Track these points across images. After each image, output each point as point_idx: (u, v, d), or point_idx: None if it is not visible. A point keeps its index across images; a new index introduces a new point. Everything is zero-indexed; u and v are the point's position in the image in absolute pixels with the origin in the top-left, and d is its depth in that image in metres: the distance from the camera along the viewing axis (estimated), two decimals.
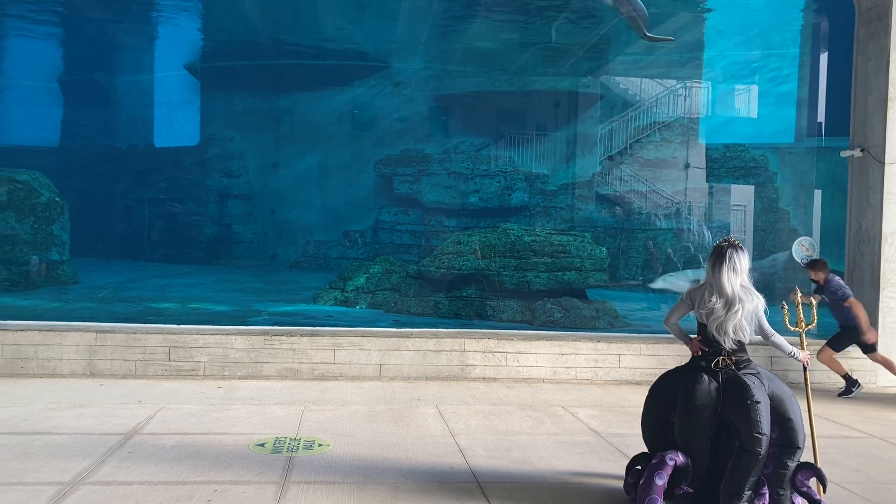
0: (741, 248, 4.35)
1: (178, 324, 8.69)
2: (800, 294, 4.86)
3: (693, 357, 4.37)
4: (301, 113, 27.00)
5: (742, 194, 22.31)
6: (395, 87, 26.83)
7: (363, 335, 8.18)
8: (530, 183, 24.18)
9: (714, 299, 4.22)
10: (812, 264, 7.71)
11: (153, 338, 7.81)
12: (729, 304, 4.20)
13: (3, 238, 17.76)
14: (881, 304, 8.40)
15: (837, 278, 7.64)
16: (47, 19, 24.60)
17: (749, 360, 4.29)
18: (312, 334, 8.11)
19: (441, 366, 8.07)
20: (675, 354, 7.92)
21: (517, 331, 9.36)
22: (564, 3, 20.16)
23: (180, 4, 23.10)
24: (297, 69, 26.02)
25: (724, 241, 4.41)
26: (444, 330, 8.85)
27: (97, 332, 7.81)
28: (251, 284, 19.78)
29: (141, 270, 22.77)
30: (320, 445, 5.48)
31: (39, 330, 7.78)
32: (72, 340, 7.70)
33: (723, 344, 4.22)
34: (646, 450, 4.57)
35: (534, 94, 25.57)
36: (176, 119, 28.47)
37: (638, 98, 24.64)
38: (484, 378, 8.06)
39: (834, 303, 7.55)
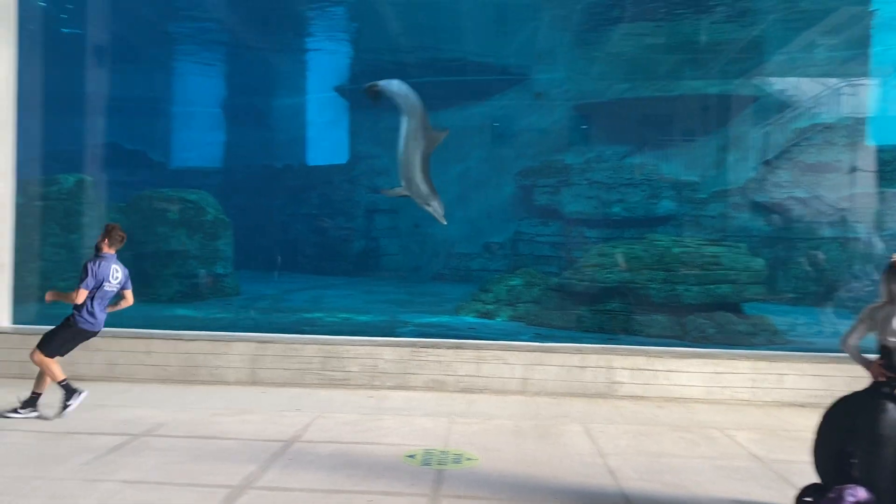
0: None
1: (330, 333, 9.08)
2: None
3: (873, 382, 4.01)
4: (443, 127, 27.52)
5: None
6: (536, 98, 26.77)
7: (507, 349, 8.17)
8: (678, 191, 23.25)
9: None
10: None
11: (309, 348, 8.20)
12: None
13: (176, 253, 19.34)
14: None
15: None
16: (210, 49, 26.72)
17: None
18: (457, 347, 8.20)
19: (586, 382, 7.90)
20: (846, 376, 7.28)
21: (668, 347, 8.99)
22: (713, 3, 19.30)
23: (330, 30, 24.33)
24: (439, 85, 26.56)
25: None
26: (590, 345, 8.68)
27: (259, 342, 8.30)
28: (397, 296, 20.36)
29: (295, 282, 24.03)
30: (468, 459, 5.51)
31: (209, 340, 8.39)
32: (236, 350, 8.23)
33: None
34: (816, 480, 4.24)
35: (681, 99, 24.61)
36: (327, 138, 29.94)
37: (796, 99, 23.07)
38: (632, 396, 7.81)
39: None
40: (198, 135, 30.65)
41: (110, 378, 8.12)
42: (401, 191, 12.36)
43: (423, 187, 12.39)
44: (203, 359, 8.24)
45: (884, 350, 3.98)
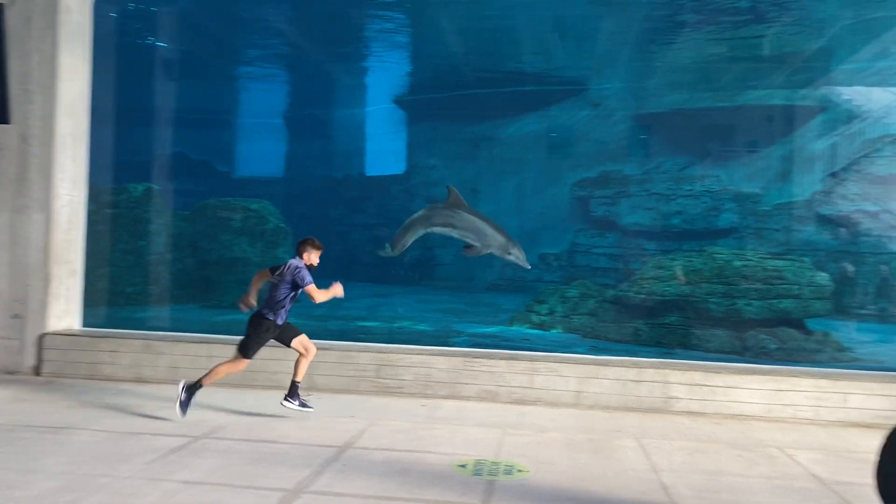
0: None
1: (386, 342, 9.18)
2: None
3: None
4: (500, 138, 27.59)
5: None
6: (594, 109, 26.59)
7: (561, 361, 8.13)
8: (740, 203, 22.74)
9: None
10: None
11: (364, 356, 8.32)
12: None
13: (238, 260, 19.86)
14: None
15: None
16: (273, 62, 27.39)
17: None
18: (511, 358, 8.20)
19: (642, 397, 7.80)
20: None
21: (726, 363, 8.80)
22: (779, 12, 18.87)
23: (389, 42, 24.66)
24: (497, 96, 26.67)
25: None
26: (646, 359, 8.55)
27: (317, 349, 8.45)
28: (451, 305, 20.44)
29: (352, 290, 24.22)
30: (520, 471, 5.51)
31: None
32: (294, 356, 8.39)
33: None
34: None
35: (743, 109, 24.10)
36: (385, 149, 30.34)
37: (865, 109, 22.33)
38: (689, 412, 7.67)
39: None
40: (260, 145, 31.46)
41: (174, 381, 8.35)
42: (479, 249, 12.86)
43: (499, 239, 12.91)
44: (262, 364, 8.42)
45: None
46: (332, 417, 7.03)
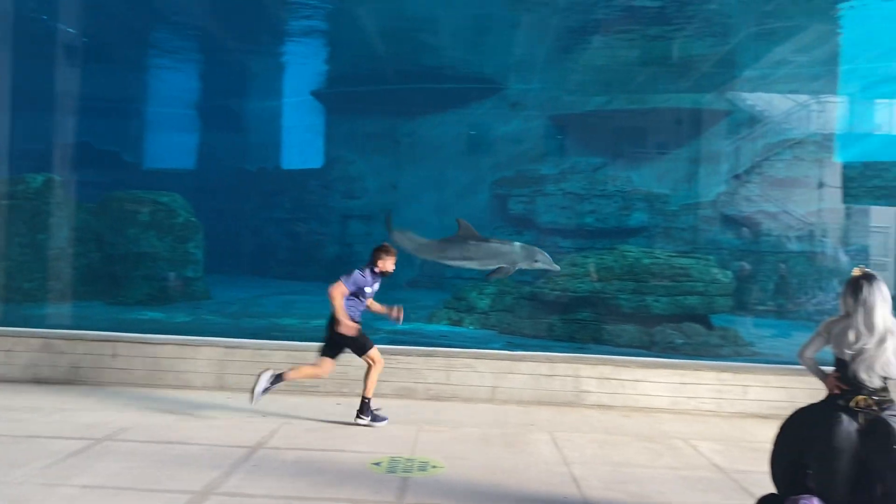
0: (879, 278, 4.07)
1: (301, 340, 9.02)
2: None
3: (829, 395, 4.09)
4: (420, 135, 27.58)
5: (883, 216, 20.70)
6: (512, 109, 26.93)
7: (477, 357, 8.19)
8: (650, 203, 23.53)
9: (863, 337, 3.93)
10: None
11: (277, 354, 8.15)
12: (880, 340, 3.91)
13: (146, 255, 19.12)
14: None
15: None
16: (185, 50, 26.50)
17: (892, 400, 3.97)
18: (427, 354, 8.21)
19: (555, 391, 7.95)
20: (808, 388, 7.37)
21: (635, 357, 9.08)
22: (687, 19, 19.60)
23: (307, 35, 24.27)
24: (417, 93, 26.63)
25: (862, 271, 4.11)
26: (558, 354, 8.72)
27: (227, 347, 8.24)
28: None
29: (267, 287, 23.85)
30: (434, 467, 5.52)
31: (175, 344, 8.30)
32: (204, 354, 8.16)
33: (867, 383, 3.93)
34: (774, 491, 4.30)
35: (654, 112, 24.91)
36: (302, 142, 29.82)
37: (767, 114, 23.49)
38: (599, 405, 7.87)
39: None
40: (171, 136, 30.36)
41: (74, 381, 8.00)
42: (507, 269, 12.91)
43: (521, 253, 13.04)
44: (169, 363, 8.15)
45: (839, 363, 4.06)
46: (243, 417, 6.86)
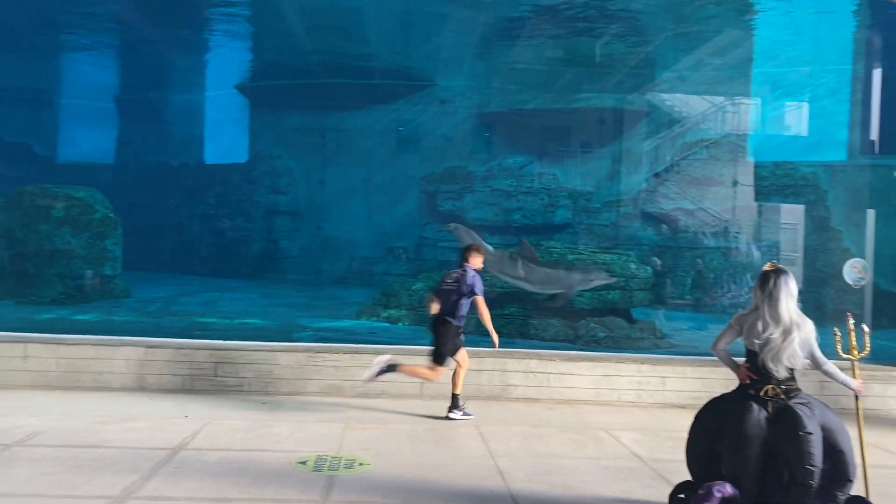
0: (789, 272, 4.28)
1: (225, 339, 8.85)
2: (852, 320, 4.74)
3: (741, 384, 4.29)
4: (347, 130, 27.37)
5: (792, 213, 21.78)
6: (440, 105, 27.02)
7: (405, 353, 8.20)
8: (574, 200, 24.04)
9: (770, 328, 4.13)
10: None
11: (201, 353, 7.97)
12: (786, 332, 4.11)
13: (60, 253, 18.34)
14: None
15: None
16: (103, 40, 25.49)
17: (799, 389, 4.19)
18: (355, 351, 8.18)
19: (482, 385, 8.05)
20: (722, 378, 7.74)
21: (559, 351, 9.28)
22: (609, 21, 20.09)
23: (232, 26, 23.71)
24: (344, 88, 26.41)
25: (772, 266, 4.32)
26: (485, 349, 8.82)
27: (147, 346, 8.00)
28: (297, 300, 20.02)
29: (190, 284, 23.25)
30: (361, 465, 5.51)
31: (92, 344, 8.01)
32: (123, 355, 7.90)
33: (774, 373, 4.13)
34: (690, 478, 4.49)
35: (578, 112, 25.45)
36: (226, 137, 29.14)
37: (685, 115, 24.33)
38: (525, 398, 8.01)
39: None
40: (88, 129, 29.18)
41: None
42: (565, 293, 12.84)
43: (577, 277, 12.99)
44: (86, 364, 7.86)
45: (749, 354, 4.26)
46: (164, 418, 6.68)
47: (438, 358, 7.09)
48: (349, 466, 5.45)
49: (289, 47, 24.68)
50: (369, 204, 27.07)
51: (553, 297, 13.27)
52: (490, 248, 13.90)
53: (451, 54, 24.41)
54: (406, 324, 16.84)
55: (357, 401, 7.71)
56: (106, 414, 6.74)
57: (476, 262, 7.24)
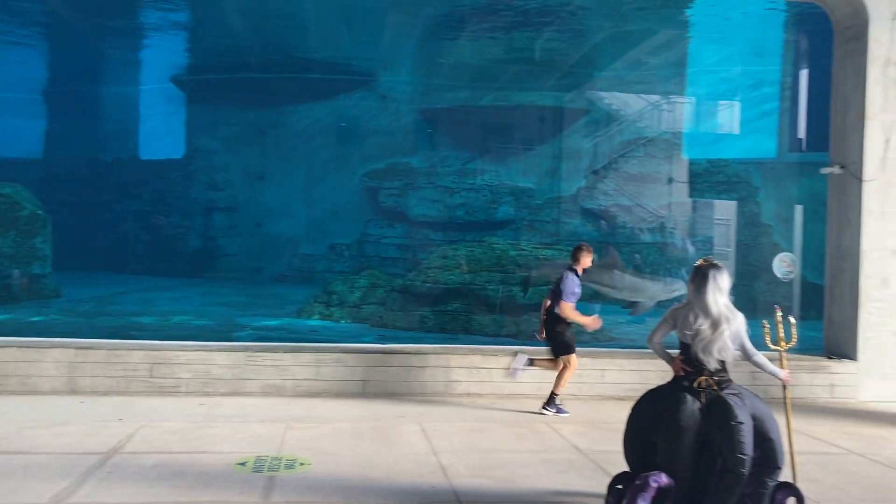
0: (721, 267, 4.39)
1: (162, 339, 8.63)
2: (780, 312, 4.91)
3: (675, 376, 4.39)
4: (287, 125, 27.01)
5: (725, 209, 22.47)
6: (382, 101, 26.90)
7: (347, 351, 8.15)
8: (516, 197, 24.27)
9: (700, 320, 4.24)
10: None
11: (135, 354, 7.75)
12: (715, 325, 4.22)
13: None
14: (860, 321, 8.48)
15: None
16: (31, 31, 24.52)
17: (730, 380, 4.31)
18: (295, 350, 8.08)
19: (425, 382, 8.05)
20: (658, 370, 7.86)
21: (502, 346, 9.35)
22: (549, 19, 20.32)
23: (167, 17, 23.09)
24: (284, 82, 26.04)
25: (705, 261, 4.44)
26: (429, 346, 8.85)
27: (78, 348, 7.74)
28: (236, 298, 19.68)
29: (125, 284, 22.62)
30: (302, 465, 5.44)
31: (19, 346, 7.71)
32: (52, 357, 7.62)
33: (706, 364, 4.24)
34: (627, 468, 4.58)
35: (519, 109, 25.70)
36: (161, 131, 28.39)
37: (623, 113, 24.83)
38: (468, 394, 8.04)
39: None
40: (14, 123, 28.03)
41: None
42: (647, 305, 12.85)
43: (660, 287, 12.97)
44: (13, 367, 7.56)
45: (683, 346, 4.37)
46: (96, 422, 6.47)
47: (564, 348, 7.28)
48: (290, 467, 5.38)
49: (227, 40, 24.19)
50: (310, 200, 26.79)
51: (633, 304, 13.51)
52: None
53: (392, 50, 24.35)
54: (348, 321, 16.75)
55: (298, 401, 7.61)
56: (34, 418, 6.50)
57: (585, 261, 7.41)
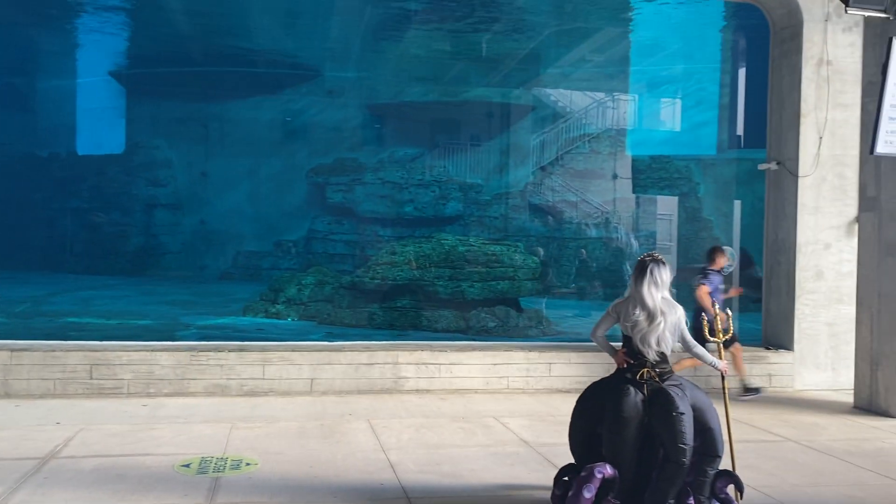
0: (663, 262, 4.48)
1: (102, 339, 8.40)
2: (717, 305, 5.04)
3: (618, 369, 4.47)
4: (231, 120, 26.52)
5: (667, 204, 23.00)
6: (328, 96, 26.65)
7: (294, 349, 8.06)
8: (464, 193, 24.36)
9: (637, 312, 4.33)
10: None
11: (73, 355, 7.52)
12: (651, 317, 4.31)
13: None
14: (797, 312, 8.78)
15: None
16: None
17: (671, 372, 4.41)
18: (241, 349, 7.95)
19: (374, 379, 8.02)
20: (604, 363, 8.04)
21: (450, 342, 9.38)
22: (495, 16, 20.42)
23: (105, 8, 22.41)
24: (227, 76, 25.56)
25: (647, 255, 4.53)
26: (377, 342, 8.81)
27: (12, 350, 7.47)
28: (179, 297, 19.26)
29: (63, 283, 21.91)
30: (248, 465, 5.37)
31: None
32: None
33: (647, 356, 4.33)
34: (573, 461, 4.64)
35: (467, 105, 25.78)
36: (100, 126, 27.55)
37: (568, 110, 25.13)
38: (417, 390, 8.05)
39: None
40: None
41: None
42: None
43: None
44: None
45: (625, 339, 4.46)
46: (32, 426, 6.26)
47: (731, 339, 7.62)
48: (235, 467, 5.30)
49: (168, 32, 23.61)
50: (255, 196, 26.40)
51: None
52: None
53: (339, 44, 24.13)
54: (294, 319, 16.57)
55: (243, 400, 7.50)
56: None
57: (720, 261, 8.02)
